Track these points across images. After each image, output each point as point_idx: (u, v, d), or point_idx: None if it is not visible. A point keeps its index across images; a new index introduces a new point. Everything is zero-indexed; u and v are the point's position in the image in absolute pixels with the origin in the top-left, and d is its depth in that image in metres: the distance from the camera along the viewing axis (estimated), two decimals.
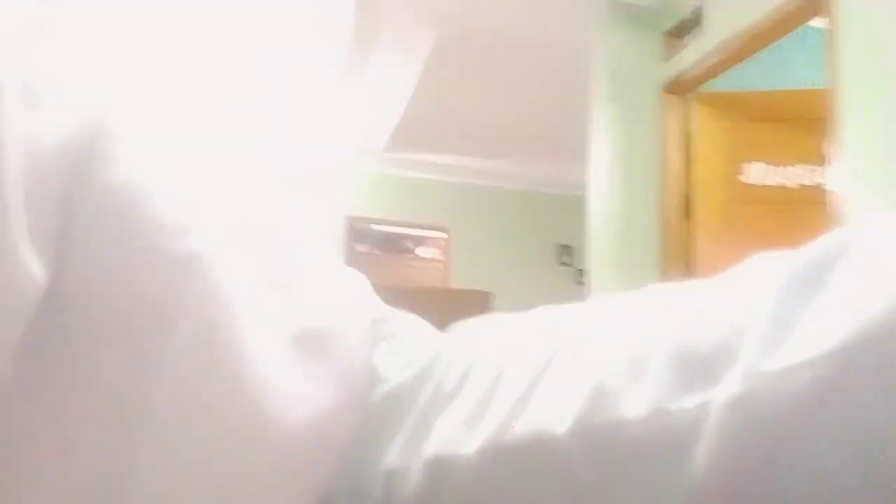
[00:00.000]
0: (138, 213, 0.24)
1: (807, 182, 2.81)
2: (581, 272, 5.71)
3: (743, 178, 2.83)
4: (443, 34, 3.46)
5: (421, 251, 7.56)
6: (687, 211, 2.85)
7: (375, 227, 6.85)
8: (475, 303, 1.28)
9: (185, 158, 0.28)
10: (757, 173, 2.84)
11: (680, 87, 2.84)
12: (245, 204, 0.29)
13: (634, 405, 0.20)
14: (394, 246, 7.54)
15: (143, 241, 0.24)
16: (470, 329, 0.33)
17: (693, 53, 2.70)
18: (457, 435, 0.25)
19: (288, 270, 0.29)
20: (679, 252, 2.84)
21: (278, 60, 3.98)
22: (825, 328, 0.16)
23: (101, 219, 0.24)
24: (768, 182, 2.84)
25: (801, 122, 2.69)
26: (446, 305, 1.31)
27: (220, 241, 0.26)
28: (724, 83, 2.78)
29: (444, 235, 6.10)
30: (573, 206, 4.45)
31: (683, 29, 2.80)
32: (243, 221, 0.28)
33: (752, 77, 2.84)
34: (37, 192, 0.22)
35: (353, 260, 6.27)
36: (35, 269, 0.21)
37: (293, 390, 0.26)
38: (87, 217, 0.23)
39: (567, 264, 6.03)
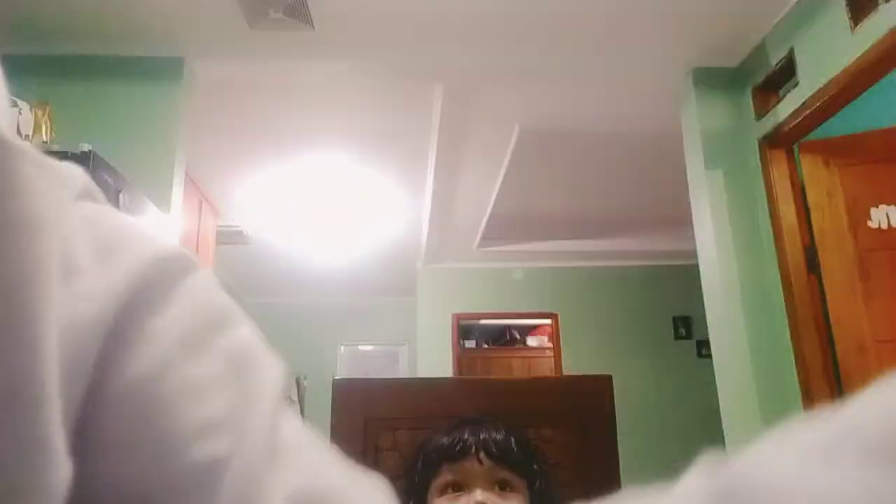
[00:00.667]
0: (162, 413, 0.24)
1: None
2: (701, 343, 5.41)
3: (872, 224, 2.63)
4: (526, 128, 3.55)
5: (530, 341, 7.45)
6: (810, 265, 2.67)
7: (483, 322, 6.85)
8: (596, 388, 1.22)
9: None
10: (885, 216, 2.63)
11: (781, 140, 2.74)
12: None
13: None
14: (502, 338, 7.48)
15: (164, 447, 0.23)
16: None
17: (790, 104, 2.61)
18: None
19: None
20: (808, 309, 2.64)
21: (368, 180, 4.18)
22: None
23: (125, 416, 0.23)
24: None
25: None
26: (566, 393, 1.25)
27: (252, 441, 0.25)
28: (828, 128, 2.65)
29: (552, 322, 6.00)
30: (686, 276, 4.27)
31: (775, 82, 2.73)
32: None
33: (858, 117, 2.70)
34: (70, 375, 0.22)
35: (463, 357, 6.25)
36: (65, 460, 0.21)
37: None
38: (113, 412, 0.23)
39: (685, 337, 5.74)
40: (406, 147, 3.82)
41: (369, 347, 7.37)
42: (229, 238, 4.59)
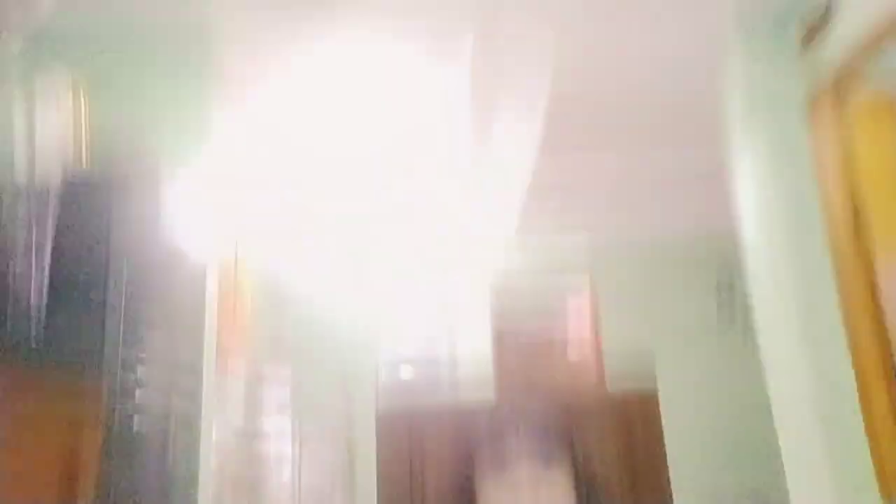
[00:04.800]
0: None
1: None
2: (746, 309, 5.31)
3: None
4: (560, 92, 3.47)
5: (569, 319, 7.39)
6: (858, 226, 2.58)
7: (521, 307, 6.79)
8: (639, 409, 1.20)
9: None
10: None
11: (831, 93, 2.62)
12: None
13: None
14: (540, 314, 7.42)
15: None
16: None
17: (837, 53, 2.48)
18: None
19: None
20: (856, 270, 2.56)
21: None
22: None
23: None
24: None
25: None
26: (606, 417, 1.23)
27: None
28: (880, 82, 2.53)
29: (589, 296, 5.95)
30: (728, 241, 4.18)
31: (822, 32, 2.59)
32: None
33: None
34: None
35: (500, 343, 6.21)
36: None
37: None
38: None
39: (728, 304, 5.64)
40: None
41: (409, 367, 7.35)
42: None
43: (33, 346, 1.85)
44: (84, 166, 2.67)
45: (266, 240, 4.63)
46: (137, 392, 2.03)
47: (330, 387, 6.56)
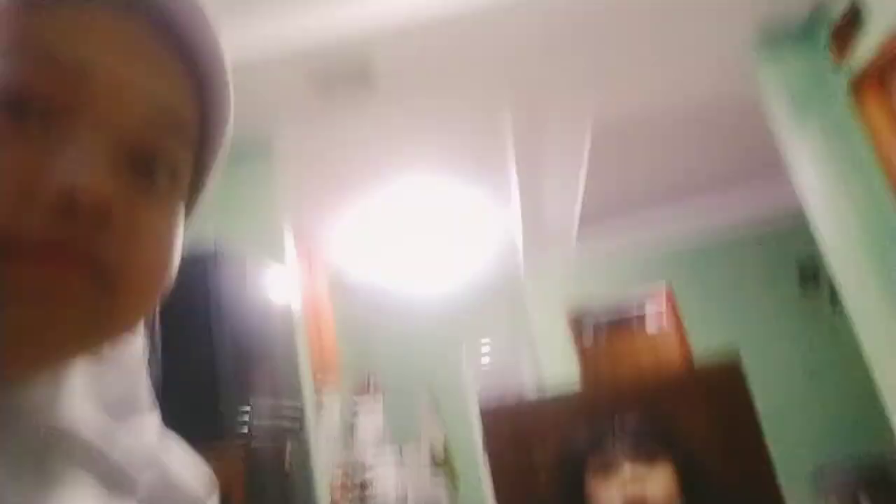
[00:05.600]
0: None
1: None
2: (833, 293, 5.15)
3: None
4: (600, 121, 3.56)
5: (649, 321, 7.30)
6: None
7: (599, 315, 6.80)
8: (723, 378, 1.27)
9: None
10: None
11: (872, 76, 2.62)
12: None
13: None
14: (620, 328, 7.37)
15: None
16: None
17: (870, 42, 2.51)
18: None
19: None
20: None
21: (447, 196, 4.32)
22: None
23: None
24: None
25: None
26: (691, 388, 1.31)
27: None
28: None
29: (667, 298, 5.88)
30: (802, 223, 4.12)
31: (849, 26, 2.63)
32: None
33: None
34: None
35: (584, 353, 6.23)
36: None
37: None
38: None
39: (813, 289, 5.46)
40: (487, 165, 3.93)
41: (489, 360, 7.49)
42: (341, 287, 4.86)
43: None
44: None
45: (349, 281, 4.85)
46: (253, 429, 2.23)
47: (420, 407, 6.73)
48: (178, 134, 0.38)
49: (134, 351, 0.44)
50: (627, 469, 1.02)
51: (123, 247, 0.33)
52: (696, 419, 1.25)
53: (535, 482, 1.21)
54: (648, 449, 1.03)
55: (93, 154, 0.33)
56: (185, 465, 0.44)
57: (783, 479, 1.20)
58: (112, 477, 0.38)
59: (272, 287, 2.82)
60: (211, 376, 2.20)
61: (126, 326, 0.37)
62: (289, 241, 3.39)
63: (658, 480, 1.01)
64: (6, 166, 0.31)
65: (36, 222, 0.30)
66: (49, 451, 0.35)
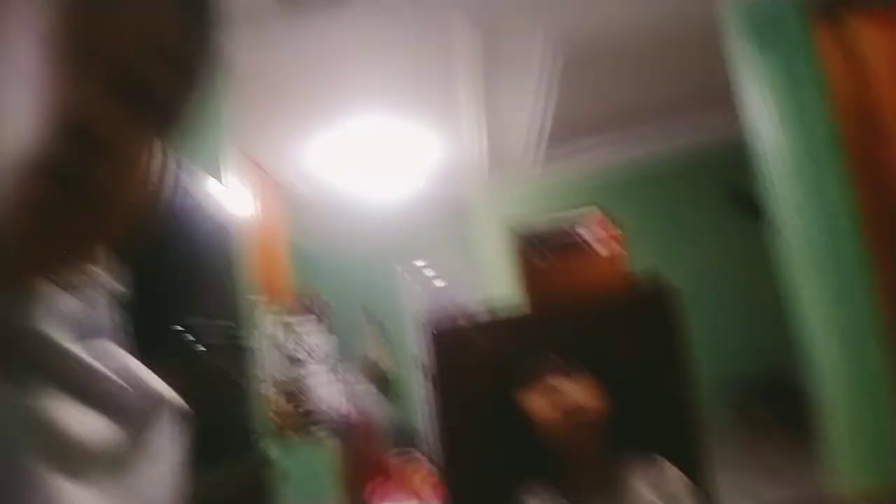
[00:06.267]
0: None
1: None
2: (768, 218, 5.36)
3: None
4: (558, 38, 3.50)
5: (591, 248, 7.50)
6: (874, 132, 2.64)
7: (545, 235, 6.92)
8: (655, 301, 1.33)
9: None
10: None
11: (831, 15, 2.65)
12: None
13: None
14: (563, 251, 7.55)
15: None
16: None
17: None
18: None
19: None
20: (870, 173, 2.64)
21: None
22: None
23: None
24: None
25: None
26: (624, 309, 1.37)
27: None
28: None
29: (610, 225, 6.02)
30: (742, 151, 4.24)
31: None
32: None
33: None
34: None
35: (523, 275, 6.37)
36: None
37: None
38: None
39: (751, 213, 5.69)
40: (443, 85, 3.85)
41: (433, 273, 7.62)
42: (293, 203, 4.78)
43: None
44: None
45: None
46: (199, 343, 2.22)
47: (363, 327, 6.84)
48: (168, 66, 0.39)
49: (99, 280, 0.45)
50: (561, 383, 1.08)
51: (114, 177, 0.35)
52: (627, 339, 1.31)
53: (471, 398, 1.26)
54: (580, 364, 1.09)
55: (98, 85, 0.34)
56: (151, 375, 0.47)
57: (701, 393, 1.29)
58: (80, 382, 0.39)
59: (218, 204, 2.76)
60: (151, 289, 2.16)
61: (101, 250, 0.39)
62: (236, 158, 3.29)
63: (588, 392, 1.07)
64: (40, 97, 0.33)
65: (49, 145, 0.32)
66: (20, 354, 0.37)
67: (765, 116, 2.83)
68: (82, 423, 0.39)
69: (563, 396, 1.07)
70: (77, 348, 0.40)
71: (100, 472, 0.39)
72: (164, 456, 0.46)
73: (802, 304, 2.78)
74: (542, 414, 1.08)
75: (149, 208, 0.40)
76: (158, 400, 0.47)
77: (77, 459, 0.37)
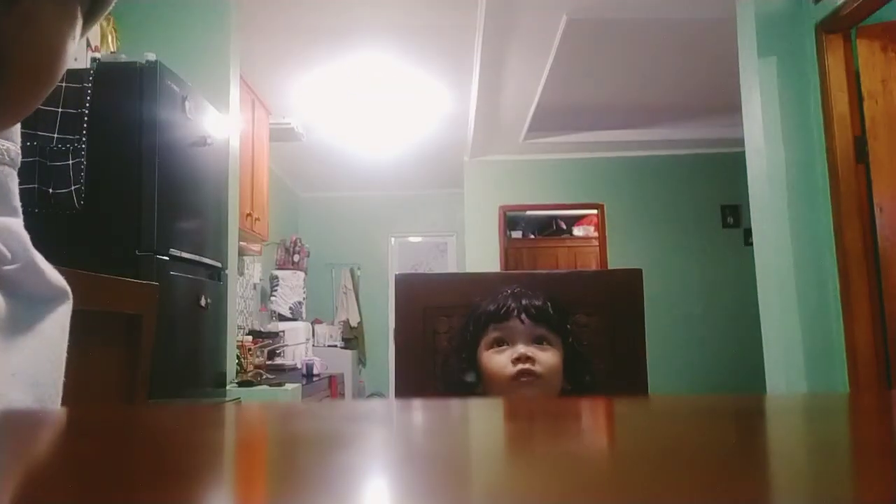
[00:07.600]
0: None
1: None
2: (749, 232, 5.42)
3: None
4: (573, 17, 3.48)
5: (576, 231, 7.55)
6: (859, 155, 2.66)
7: (529, 213, 6.95)
8: (628, 280, 1.35)
9: None
10: None
11: (839, 25, 2.64)
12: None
13: None
14: (548, 229, 7.61)
15: None
16: None
17: None
18: None
19: None
20: (853, 199, 2.66)
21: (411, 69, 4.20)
22: None
23: None
24: None
25: None
26: (601, 284, 1.39)
27: None
28: (887, 13, 2.55)
29: (598, 212, 6.06)
30: (735, 164, 4.25)
31: None
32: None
33: None
34: None
35: (509, 248, 6.41)
36: None
37: None
38: None
39: (733, 226, 5.75)
40: (451, 41, 3.80)
41: (418, 239, 7.62)
42: (282, 135, 4.73)
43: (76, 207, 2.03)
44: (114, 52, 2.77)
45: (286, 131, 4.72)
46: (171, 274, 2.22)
47: (340, 284, 6.85)
48: None
49: (7, 155, 0.44)
50: (520, 347, 1.09)
51: (19, 37, 0.33)
52: (593, 315, 1.33)
53: (434, 349, 1.28)
54: (542, 331, 1.10)
55: None
56: (48, 266, 0.47)
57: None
58: None
59: (210, 126, 2.73)
60: (136, 194, 2.16)
61: (5, 120, 0.38)
62: (235, 81, 3.25)
63: (547, 356, 1.09)
64: None
65: None
66: None
67: (761, 124, 2.83)
68: None
69: (521, 358, 1.09)
70: None
71: None
72: (51, 340, 0.46)
73: (770, 317, 2.81)
74: (496, 371, 1.10)
75: (58, 77, 0.38)
76: (53, 289, 0.47)
77: None
